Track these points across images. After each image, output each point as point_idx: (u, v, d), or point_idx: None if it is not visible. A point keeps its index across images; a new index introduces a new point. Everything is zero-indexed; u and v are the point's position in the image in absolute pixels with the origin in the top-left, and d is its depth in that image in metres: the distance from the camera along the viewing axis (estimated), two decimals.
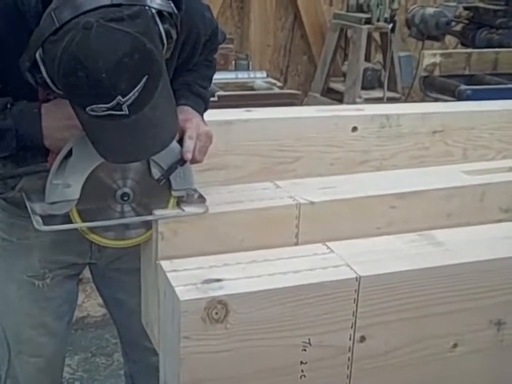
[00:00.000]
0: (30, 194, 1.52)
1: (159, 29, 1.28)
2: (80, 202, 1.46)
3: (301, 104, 4.13)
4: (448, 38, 5.49)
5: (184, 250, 1.51)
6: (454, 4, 5.15)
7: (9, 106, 1.43)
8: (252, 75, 4.16)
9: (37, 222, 1.44)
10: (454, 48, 5.37)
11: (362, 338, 1.45)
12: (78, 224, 1.49)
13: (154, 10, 1.27)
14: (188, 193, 1.54)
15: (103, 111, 1.23)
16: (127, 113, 1.24)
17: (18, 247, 1.69)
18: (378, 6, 5.04)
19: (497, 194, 1.81)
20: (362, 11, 5.17)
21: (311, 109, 2.29)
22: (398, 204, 1.69)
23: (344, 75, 5.35)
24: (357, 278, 1.41)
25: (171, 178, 1.51)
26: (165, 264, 1.45)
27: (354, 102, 4.84)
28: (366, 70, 5.10)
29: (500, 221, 1.80)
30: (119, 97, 1.22)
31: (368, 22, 5.08)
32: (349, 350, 1.45)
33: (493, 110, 2.29)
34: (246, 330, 1.36)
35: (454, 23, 5.03)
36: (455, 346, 1.54)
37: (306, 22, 5.62)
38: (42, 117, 1.43)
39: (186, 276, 1.39)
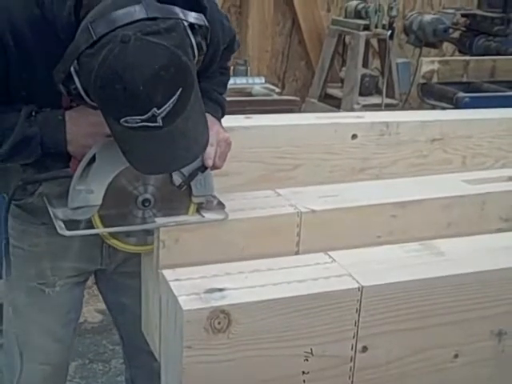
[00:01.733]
0: (51, 200, 1.53)
1: (191, 41, 1.30)
2: (102, 207, 1.47)
3: (299, 110, 4.13)
4: (445, 45, 5.50)
5: (185, 259, 1.51)
6: (452, 11, 5.16)
7: (33, 113, 1.45)
8: (250, 81, 4.15)
9: (59, 226, 1.45)
10: (452, 55, 5.39)
11: (364, 348, 1.45)
12: (100, 229, 1.50)
13: (186, 23, 1.29)
14: (208, 199, 1.55)
15: (137, 123, 1.25)
16: (161, 124, 1.26)
17: (29, 254, 1.69)
18: (376, 12, 5.04)
19: (497, 204, 1.81)
20: (360, 17, 5.17)
21: (311, 116, 2.29)
22: (399, 213, 1.70)
23: (342, 81, 5.35)
24: (359, 287, 1.41)
25: (192, 184, 1.52)
26: (167, 273, 1.45)
27: (352, 108, 4.84)
28: (363, 76, 5.10)
29: (500, 230, 1.81)
30: (154, 109, 1.24)
31: (366, 28, 5.08)
32: (351, 360, 1.45)
33: (492, 118, 2.30)
34: (249, 340, 1.36)
35: (451, 30, 5.03)
36: (456, 356, 1.54)
37: (303, 28, 5.62)
38: (66, 124, 1.46)
39: (189, 285, 1.39)
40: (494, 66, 4.32)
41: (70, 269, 1.73)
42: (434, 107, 4.08)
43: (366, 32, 5.09)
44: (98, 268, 1.78)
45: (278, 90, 4.20)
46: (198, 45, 1.32)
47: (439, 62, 4.25)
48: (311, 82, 5.58)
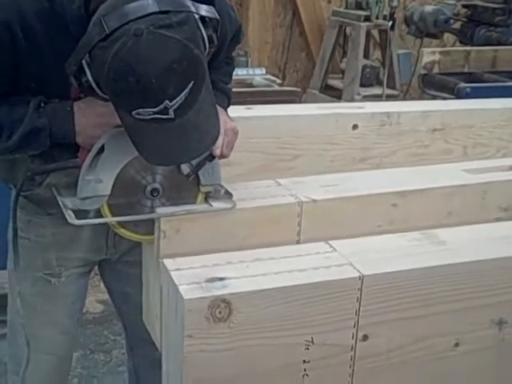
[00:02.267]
0: (60, 189, 1.54)
1: (202, 34, 1.31)
2: (111, 197, 1.48)
3: (300, 101, 4.12)
4: (446, 36, 5.49)
5: (186, 248, 1.51)
6: (453, 2, 5.15)
7: (42, 104, 1.46)
8: (251, 72, 4.15)
9: (69, 216, 1.46)
10: (452, 45, 5.38)
11: (365, 337, 1.45)
12: (110, 218, 1.51)
13: (197, 16, 1.30)
14: (215, 188, 1.56)
15: (149, 115, 1.27)
16: (173, 117, 1.27)
17: (35, 245, 1.70)
18: (377, 3, 5.03)
19: (497, 193, 1.81)
20: (361, 8, 5.16)
21: (312, 106, 2.28)
22: (400, 202, 1.70)
23: (343, 72, 5.35)
24: (360, 276, 1.42)
25: (200, 173, 1.53)
26: (168, 262, 1.45)
27: (353, 99, 4.84)
28: (364, 67, 5.10)
29: (499, 219, 1.81)
30: (167, 101, 1.25)
31: (367, 19, 5.07)
32: (351, 349, 1.45)
33: (492, 108, 2.29)
34: (250, 329, 1.36)
35: (452, 21, 5.03)
36: (457, 344, 1.54)
37: (304, 19, 5.61)
38: (75, 115, 1.47)
39: (190, 274, 1.39)
40: (495, 57, 4.31)
41: (76, 259, 1.75)
42: (434, 98, 4.08)
43: (367, 23, 5.09)
44: (103, 258, 1.79)
45: (278, 81, 4.19)
46: (209, 37, 1.33)
47: (440, 52, 4.24)
48: (312, 73, 5.57)
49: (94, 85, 1.31)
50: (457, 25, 5.14)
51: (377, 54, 5.52)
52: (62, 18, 1.39)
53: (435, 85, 4.15)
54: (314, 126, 2.05)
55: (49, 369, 1.83)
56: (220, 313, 1.32)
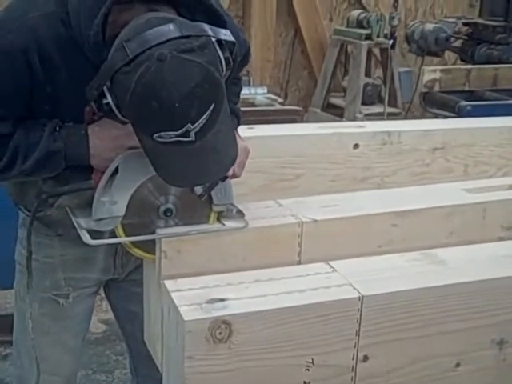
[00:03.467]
0: (73, 210, 1.56)
1: (220, 57, 1.33)
2: (125, 217, 1.49)
3: (301, 119, 4.14)
4: (447, 54, 5.52)
5: (187, 269, 1.51)
6: (453, 20, 5.18)
7: (57, 128, 1.48)
8: (253, 91, 4.17)
9: (84, 236, 1.48)
10: (454, 64, 5.41)
11: (365, 358, 1.45)
12: (123, 238, 1.51)
13: (213, 39, 1.32)
14: (228, 208, 1.57)
15: (171, 138, 1.28)
16: (194, 139, 1.29)
17: (44, 266, 1.71)
18: (377, 21, 5.07)
19: (498, 212, 1.81)
20: (362, 27, 5.21)
21: (313, 126, 2.29)
22: (400, 222, 1.70)
23: (344, 90, 5.38)
24: (360, 297, 1.42)
25: (212, 193, 1.54)
26: (169, 283, 1.45)
27: (355, 118, 4.86)
28: (366, 85, 5.13)
29: (501, 238, 1.80)
30: (189, 124, 1.27)
31: (368, 37, 5.11)
32: (352, 370, 1.45)
33: (493, 126, 2.30)
34: (250, 350, 1.36)
35: (453, 39, 5.06)
36: (458, 365, 1.54)
37: (306, 38, 5.65)
38: (89, 138, 1.49)
39: (190, 296, 1.39)
40: (496, 75, 4.33)
41: (84, 279, 1.76)
42: (436, 116, 4.09)
43: (368, 41, 5.13)
44: (111, 278, 1.81)
45: (280, 99, 4.22)
46: (226, 60, 1.35)
47: (441, 70, 4.27)
48: (314, 91, 5.60)
49: (114, 108, 1.33)
50: (458, 43, 5.17)
51: (378, 72, 5.56)
52: (77, 43, 1.42)
53: (436, 103, 4.17)
54: (315, 146, 2.06)
55: None
56: (220, 334, 1.33)
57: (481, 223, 1.79)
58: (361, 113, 5.00)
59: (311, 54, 5.70)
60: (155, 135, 1.29)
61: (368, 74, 5.33)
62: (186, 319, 1.31)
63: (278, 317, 1.36)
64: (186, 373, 1.33)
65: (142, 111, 1.28)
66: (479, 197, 1.83)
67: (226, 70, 1.35)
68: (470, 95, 4.23)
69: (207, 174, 1.39)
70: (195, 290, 1.42)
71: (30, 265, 1.59)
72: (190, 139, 1.29)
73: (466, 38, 5.08)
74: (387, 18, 5.13)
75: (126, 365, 3.06)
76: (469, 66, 4.57)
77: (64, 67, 1.44)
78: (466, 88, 4.26)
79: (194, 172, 1.36)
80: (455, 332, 1.51)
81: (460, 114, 3.84)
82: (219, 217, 1.57)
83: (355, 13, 5.39)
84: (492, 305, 1.53)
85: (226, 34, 1.35)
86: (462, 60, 5.21)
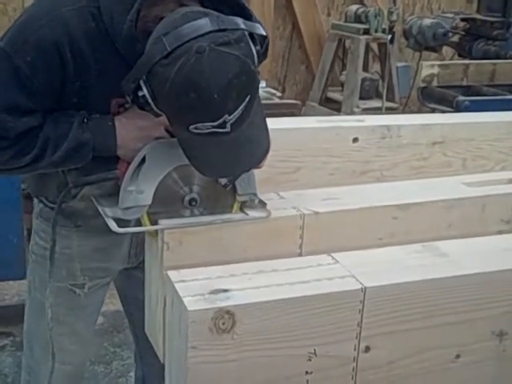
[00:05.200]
0: (99, 199, 1.58)
1: (252, 50, 1.36)
2: (150, 206, 1.51)
3: (300, 113, 4.15)
4: (445, 49, 5.53)
5: (189, 260, 1.52)
6: (451, 15, 5.19)
7: (85, 120, 1.51)
8: None
9: (111, 224, 1.50)
10: (451, 59, 5.41)
11: (367, 349, 1.46)
12: (151, 227, 1.53)
13: (246, 33, 1.35)
14: (250, 198, 1.58)
15: (208, 129, 1.31)
16: (229, 130, 1.32)
17: (61, 256, 1.72)
18: (375, 16, 5.08)
19: (497, 206, 1.82)
20: (360, 22, 5.21)
21: (312, 119, 2.29)
22: (400, 215, 1.71)
23: (342, 85, 5.38)
24: (362, 288, 1.43)
25: (236, 183, 1.56)
26: (172, 274, 1.46)
27: (352, 112, 4.87)
28: (363, 79, 5.13)
29: (501, 232, 1.82)
30: (226, 115, 1.30)
31: (366, 32, 5.12)
32: (353, 360, 1.46)
33: (491, 121, 2.31)
34: (253, 340, 1.37)
35: (450, 34, 5.07)
36: (458, 356, 1.55)
37: (304, 32, 5.65)
38: (116, 129, 1.52)
39: (194, 286, 1.40)
40: (494, 70, 4.34)
41: (100, 269, 1.79)
42: (433, 111, 4.10)
43: (366, 36, 5.13)
44: (125, 267, 1.83)
45: (278, 93, 4.22)
46: (258, 53, 1.37)
47: (439, 65, 4.28)
48: (311, 85, 5.61)
49: (150, 100, 1.35)
50: (455, 38, 5.18)
51: (376, 66, 5.56)
52: (107, 36, 1.46)
53: (434, 98, 4.18)
54: (314, 139, 2.06)
55: (65, 379, 1.85)
56: (224, 324, 1.34)
57: (480, 217, 1.80)
58: (358, 107, 5.01)
59: (309, 49, 5.70)
60: (191, 126, 1.32)
61: (366, 68, 5.34)
62: (189, 309, 1.32)
63: (280, 307, 1.38)
64: (189, 363, 1.34)
65: (181, 103, 1.30)
66: (479, 190, 1.84)
67: (259, 62, 1.38)
68: (468, 90, 4.24)
69: (242, 164, 1.41)
70: (199, 280, 1.43)
71: (54, 254, 1.61)
72: (225, 130, 1.32)
73: (463, 33, 5.09)
74: (385, 12, 5.13)
75: (123, 356, 3.07)
76: (467, 62, 4.58)
77: (93, 61, 1.47)
78: (464, 83, 4.27)
79: (228, 163, 1.39)
80: (455, 324, 1.53)
81: (458, 108, 3.85)
82: (242, 206, 1.59)
83: (353, 7, 5.39)
84: (492, 297, 1.54)
85: (258, 28, 1.38)
86: (459, 55, 5.22)
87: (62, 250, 1.73)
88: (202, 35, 1.29)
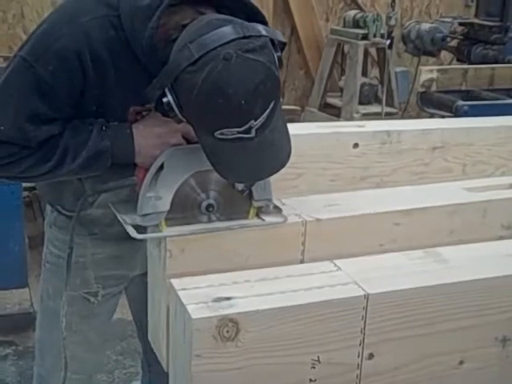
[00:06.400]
0: (117, 206, 1.59)
1: (274, 56, 1.38)
2: (168, 212, 1.52)
3: (299, 119, 4.15)
4: (443, 54, 5.53)
5: (191, 268, 1.52)
6: (449, 20, 5.19)
7: (104, 128, 1.53)
8: None
9: (131, 231, 1.51)
10: (450, 63, 5.41)
11: (371, 355, 1.46)
12: (169, 233, 1.53)
13: (268, 39, 1.37)
14: (266, 203, 1.59)
15: (233, 135, 1.33)
16: (254, 135, 1.34)
17: (75, 265, 1.72)
18: (374, 21, 5.08)
19: (498, 211, 1.83)
20: (359, 27, 5.21)
21: (312, 125, 2.30)
22: (402, 221, 1.71)
23: (341, 90, 5.38)
24: (365, 295, 1.43)
25: (253, 188, 1.57)
26: (175, 282, 1.46)
27: (352, 117, 4.87)
28: (362, 85, 5.13)
29: (502, 237, 1.82)
30: (252, 121, 1.32)
31: (365, 37, 5.12)
32: (357, 367, 1.46)
33: (491, 126, 2.31)
34: (257, 348, 1.37)
35: (449, 39, 5.07)
36: (461, 362, 1.55)
37: (302, 37, 5.65)
38: (135, 137, 1.54)
39: (197, 294, 1.40)
40: (493, 74, 4.35)
41: (113, 277, 1.80)
42: (433, 116, 4.10)
43: (365, 41, 5.13)
44: (137, 274, 1.84)
45: None
46: (279, 59, 1.39)
47: (438, 70, 4.28)
48: (310, 91, 5.60)
49: (174, 107, 1.37)
50: (454, 43, 5.19)
51: (375, 72, 5.56)
52: (127, 45, 1.47)
53: (433, 103, 4.18)
54: (315, 145, 2.06)
55: None
56: (228, 332, 1.34)
57: (481, 222, 1.81)
58: (358, 112, 5.01)
59: (308, 54, 5.71)
60: (217, 132, 1.33)
61: (365, 73, 5.34)
62: (194, 317, 1.32)
63: (284, 315, 1.38)
64: (193, 371, 1.34)
65: (208, 108, 1.32)
66: (480, 196, 1.85)
67: (280, 67, 1.40)
68: (467, 95, 4.24)
69: (266, 169, 1.43)
70: (201, 288, 1.43)
71: (71, 263, 1.61)
72: (250, 135, 1.33)
73: (461, 37, 5.09)
74: (384, 17, 5.14)
75: (125, 365, 3.06)
76: (465, 66, 4.58)
77: (113, 69, 1.49)
78: (463, 88, 4.27)
79: (253, 167, 1.40)
80: (458, 330, 1.53)
81: (457, 113, 3.85)
82: (258, 212, 1.60)
83: (352, 13, 5.39)
84: (495, 303, 1.54)
85: (279, 35, 1.41)
86: (458, 60, 5.22)
87: (76, 258, 1.72)
88: (228, 42, 1.31)
